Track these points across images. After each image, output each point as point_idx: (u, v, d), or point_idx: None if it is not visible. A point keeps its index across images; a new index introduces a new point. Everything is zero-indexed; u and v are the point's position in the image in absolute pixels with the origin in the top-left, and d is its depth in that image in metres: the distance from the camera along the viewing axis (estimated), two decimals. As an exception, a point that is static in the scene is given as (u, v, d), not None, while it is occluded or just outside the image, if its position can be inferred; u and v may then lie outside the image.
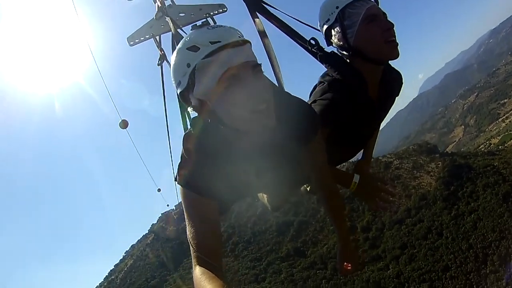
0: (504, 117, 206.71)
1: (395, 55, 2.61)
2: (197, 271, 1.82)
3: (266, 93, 1.78)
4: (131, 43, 4.63)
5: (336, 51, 2.88)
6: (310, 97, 2.84)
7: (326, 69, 2.85)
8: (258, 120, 1.77)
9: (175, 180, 2.05)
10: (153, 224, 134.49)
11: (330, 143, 2.63)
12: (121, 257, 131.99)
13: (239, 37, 1.81)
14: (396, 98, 3.13)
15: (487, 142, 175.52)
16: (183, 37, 2.83)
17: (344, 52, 2.79)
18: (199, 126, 1.94)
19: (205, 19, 1.83)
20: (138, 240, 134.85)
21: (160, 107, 4.90)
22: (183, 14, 4.56)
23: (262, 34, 3.32)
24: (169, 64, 3.06)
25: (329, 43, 2.88)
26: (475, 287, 67.58)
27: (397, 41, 2.60)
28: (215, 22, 4.28)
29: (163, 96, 4.70)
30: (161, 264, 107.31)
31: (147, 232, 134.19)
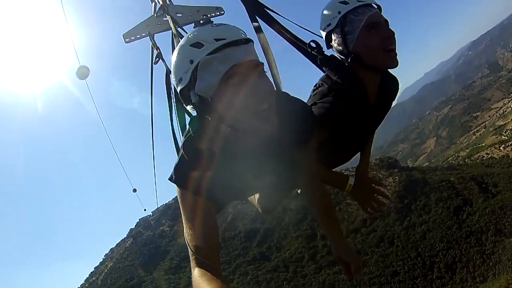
0: (475, 129, 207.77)
1: (394, 64, 2.63)
2: (196, 272, 1.76)
3: (268, 93, 1.78)
4: (127, 40, 4.59)
5: (335, 55, 2.84)
6: (309, 99, 2.82)
7: (324, 73, 2.83)
8: (259, 121, 1.76)
9: (171, 180, 2.00)
10: (131, 229, 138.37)
11: (328, 146, 2.70)
12: (101, 260, 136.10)
13: (243, 35, 1.81)
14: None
15: (456, 155, 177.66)
16: (183, 36, 3.75)
17: (343, 57, 2.75)
18: (197, 125, 1.94)
19: (207, 18, 1.96)
20: (117, 244, 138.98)
21: (149, 107, 4.76)
22: (180, 15, 4.49)
23: (261, 38, 3.28)
24: (165, 63, 4.11)
25: (329, 47, 2.85)
26: (421, 290, 74.55)
27: (396, 51, 2.60)
28: None
29: (150, 95, 4.64)
30: (139, 266, 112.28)
31: (125, 236, 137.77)
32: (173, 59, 1.88)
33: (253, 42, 1.84)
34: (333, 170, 3.17)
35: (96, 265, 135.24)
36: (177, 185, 1.96)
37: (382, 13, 2.66)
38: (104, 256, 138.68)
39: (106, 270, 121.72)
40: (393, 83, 3.00)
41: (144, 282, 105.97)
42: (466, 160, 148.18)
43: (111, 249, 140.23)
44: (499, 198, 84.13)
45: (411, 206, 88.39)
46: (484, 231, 78.42)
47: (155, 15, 4.48)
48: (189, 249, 1.85)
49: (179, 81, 1.86)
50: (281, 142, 2.04)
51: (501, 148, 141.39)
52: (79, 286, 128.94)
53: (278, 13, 3.30)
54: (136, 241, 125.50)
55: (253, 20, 3.37)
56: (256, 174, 2.20)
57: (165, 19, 4.34)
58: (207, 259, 1.79)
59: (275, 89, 1.93)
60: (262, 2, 3.39)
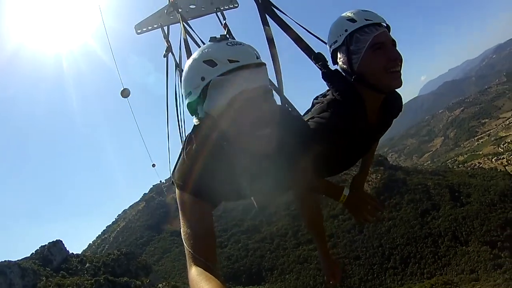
0: (479, 136, 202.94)
1: (397, 85, 2.53)
2: (193, 271, 1.74)
3: (273, 118, 1.82)
4: (139, 31, 4.53)
5: (339, 71, 2.73)
6: (309, 110, 2.80)
7: (327, 87, 2.74)
8: (261, 143, 1.81)
9: (172, 183, 2.05)
10: (145, 193, 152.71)
11: (321, 159, 2.62)
12: (114, 220, 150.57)
13: (257, 58, 1.82)
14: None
15: (454, 158, 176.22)
16: (192, 31, 3.85)
17: (347, 76, 2.65)
18: (199, 131, 1.94)
19: (224, 34, 1.89)
20: (130, 206, 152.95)
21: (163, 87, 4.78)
22: (194, 6, 4.42)
23: (269, 37, 3.17)
24: (174, 56, 4.39)
25: (335, 63, 2.76)
26: (376, 275, 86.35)
27: (400, 72, 2.51)
28: (224, 18, 4.38)
29: (166, 88, 4.59)
30: (149, 227, 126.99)
31: (138, 200, 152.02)
32: (185, 69, 1.91)
33: (265, 65, 1.88)
34: (328, 180, 3.09)
35: (108, 224, 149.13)
36: (177, 187, 2.00)
37: (390, 33, 2.57)
38: (117, 216, 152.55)
39: (118, 229, 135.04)
40: (396, 101, 2.94)
41: (152, 241, 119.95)
42: (460, 166, 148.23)
43: (124, 210, 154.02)
44: (466, 208, 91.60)
45: (385, 202, 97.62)
46: (442, 235, 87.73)
47: (165, 11, 4.50)
48: (186, 248, 1.84)
49: (188, 94, 1.88)
50: (277, 157, 2.04)
51: (493, 160, 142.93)
52: (91, 242, 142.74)
53: (287, 14, 3.24)
54: (148, 205, 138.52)
55: (264, 18, 3.29)
56: (252, 180, 2.18)
57: (177, 15, 4.28)
58: (204, 258, 1.77)
59: (278, 111, 1.94)
60: (271, 1, 3.30)
